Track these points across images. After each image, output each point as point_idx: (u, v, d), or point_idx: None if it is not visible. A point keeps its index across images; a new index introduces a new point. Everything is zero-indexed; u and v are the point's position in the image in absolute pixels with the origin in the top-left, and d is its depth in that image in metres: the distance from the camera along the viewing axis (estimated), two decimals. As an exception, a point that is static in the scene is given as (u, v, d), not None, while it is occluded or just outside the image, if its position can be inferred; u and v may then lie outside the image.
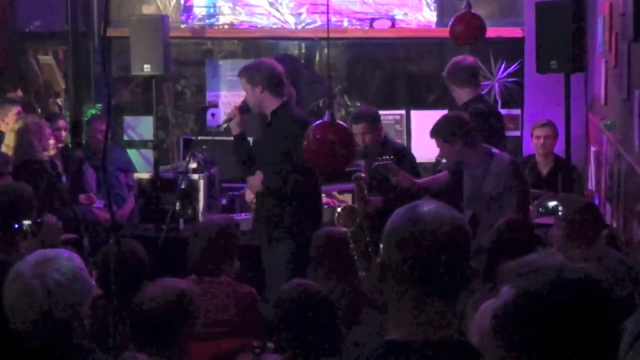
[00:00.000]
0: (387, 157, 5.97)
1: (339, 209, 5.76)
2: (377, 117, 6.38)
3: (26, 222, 4.30)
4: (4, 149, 6.72)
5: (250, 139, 6.02)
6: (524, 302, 1.66)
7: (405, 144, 7.82)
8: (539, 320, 1.64)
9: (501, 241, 4.22)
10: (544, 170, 7.19)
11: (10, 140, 6.72)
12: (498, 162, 5.59)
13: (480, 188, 5.59)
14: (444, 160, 6.33)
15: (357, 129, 6.23)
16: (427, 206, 2.01)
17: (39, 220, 4.37)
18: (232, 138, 5.94)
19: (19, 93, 7.71)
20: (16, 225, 4.28)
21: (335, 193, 6.89)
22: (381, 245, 2.03)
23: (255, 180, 5.74)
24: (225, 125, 6.10)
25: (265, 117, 5.81)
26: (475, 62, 6.53)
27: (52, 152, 6.93)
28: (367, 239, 5.23)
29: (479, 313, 3.15)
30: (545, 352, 1.63)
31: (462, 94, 6.33)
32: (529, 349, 1.64)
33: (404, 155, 6.35)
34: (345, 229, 4.95)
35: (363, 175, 5.79)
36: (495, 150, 5.73)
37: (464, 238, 1.99)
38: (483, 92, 8.11)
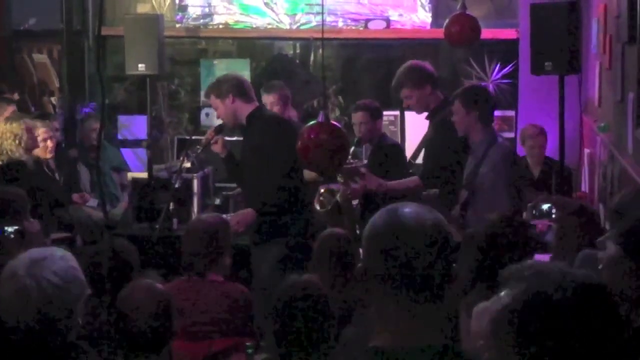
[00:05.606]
0: (356, 160, 5.94)
1: (321, 189, 5.81)
2: (376, 111, 6.40)
3: (9, 229, 4.18)
4: None
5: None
6: (527, 305, 1.67)
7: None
8: (542, 324, 1.65)
9: (494, 238, 4.10)
10: (535, 171, 7.21)
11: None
12: (498, 149, 5.56)
13: (477, 170, 5.51)
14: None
15: (355, 117, 6.37)
16: (408, 208, 1.98)
17: (20, 229, 4.19)
18: (228, 138, 5.91)
19: (15, 97, 7.62)
20: None
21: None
22: (361, 250, 2.00)
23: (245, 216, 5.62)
24: (202, 148, 5.90)
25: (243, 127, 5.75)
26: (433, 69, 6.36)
27: (48, 155, 6.85)
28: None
29: (475, 316, 3.12)
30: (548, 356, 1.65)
31: (423, 98, 6.12)
32: (530, 352, 1.65)
33: (393, 154, 6.33)
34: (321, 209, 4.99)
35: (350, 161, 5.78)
36: (500, 138, 5.71)
37: (446, 240, 1.95)
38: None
